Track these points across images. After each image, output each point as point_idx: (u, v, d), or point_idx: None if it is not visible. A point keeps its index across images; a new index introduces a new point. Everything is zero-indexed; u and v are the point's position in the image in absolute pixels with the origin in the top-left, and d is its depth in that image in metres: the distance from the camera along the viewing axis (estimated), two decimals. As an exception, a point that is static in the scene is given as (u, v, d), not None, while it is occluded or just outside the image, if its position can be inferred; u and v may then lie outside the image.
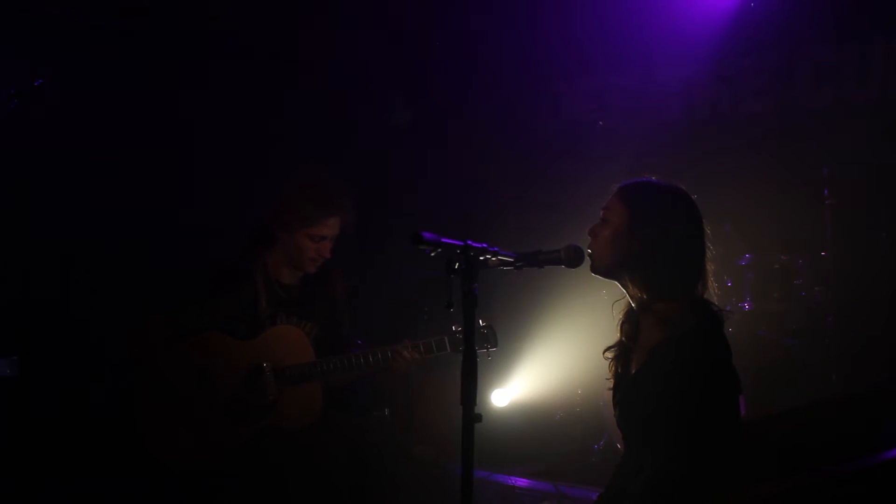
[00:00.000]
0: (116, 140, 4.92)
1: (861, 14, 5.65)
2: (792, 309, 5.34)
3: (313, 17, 5.77)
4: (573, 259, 2.51)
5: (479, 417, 2.27)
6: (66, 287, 4.67)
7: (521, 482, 4.85)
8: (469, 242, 2.38)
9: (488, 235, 2.63)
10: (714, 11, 5.99)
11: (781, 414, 3.14)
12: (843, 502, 2.45)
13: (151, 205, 5.04)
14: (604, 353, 2.62)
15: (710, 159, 5.72)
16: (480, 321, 3.58)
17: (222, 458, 3.50)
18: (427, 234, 2.35)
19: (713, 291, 2.52)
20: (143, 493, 3.78)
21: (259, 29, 5.58)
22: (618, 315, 2.61)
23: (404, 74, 6.39)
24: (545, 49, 6.52)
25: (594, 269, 2.54)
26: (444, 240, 2.37)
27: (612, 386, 2.60)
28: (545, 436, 5.60)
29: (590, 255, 2.53)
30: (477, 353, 2.32)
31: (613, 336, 2.62)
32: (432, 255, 2.40)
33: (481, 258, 2.39)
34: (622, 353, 2.58)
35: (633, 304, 2.53)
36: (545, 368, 5.46)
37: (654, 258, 2.43)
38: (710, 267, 2.52)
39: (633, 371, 2.50)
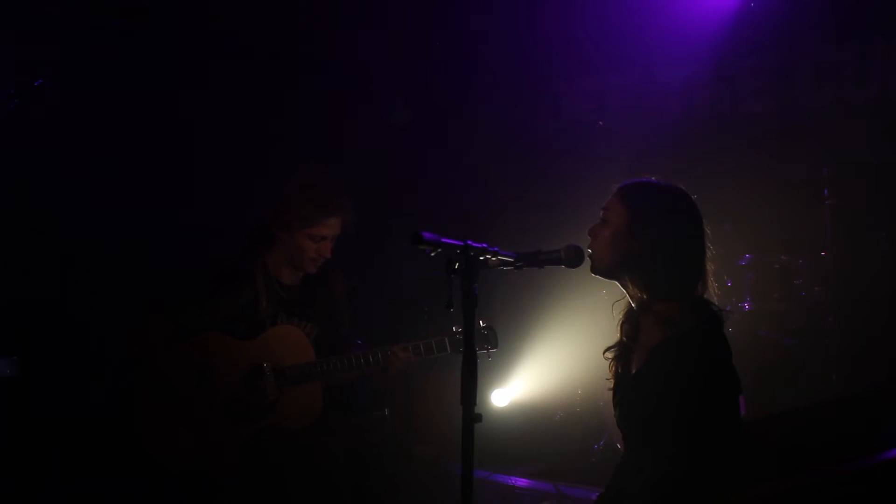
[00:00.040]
0: (116, 140, 4.92)
1: (861, 14, 5.65)
2: (792, 309, 5.34)
3: (313, 17, 5.77)
4: (573, 259, 2.51)
5: (479, 417, 2.27)
6: (66, 287, 4.67)
7: (521, 482, 4.85)
8: (469, 242, 2.38)
9: (488, 235, 2.63)
10: (714, 11, 5.99)
11: (781, 414, 3.14)
12: (843, 502, 2.45)
13: (151, 205, 5.04)
14: (604, 353, 2.63)
15: (710, 159, 5.72)
16: (481, 322, 3.58)
17: (222, 458, 3.50)
18: (427, 234, 2.35)
19: (713, 291, 2.52)
20: (143, 493, 3.78)
21: (259, 29, 5.58)
22: (618, 315, 2.61)
23: (404, 74, 6.39)
24: (545, 49, 6.51)
25: (594, 270, 2.54)
26: (444, 240, 2.37)
27: (612, 386, 2.60)
28: (545, 436, 5.60)
29: (590, 255, 2.53)
30: (477, 354, 2.32)
31: (613, 336, 2.62)
32: (432, 255, 2.40)
33: (481, 258, 2.39)
34: (622, 354, 2.58)
35: (633, 305, 2.53)
36: (545, 368, 5.46)
37: (654, 258, 2.43)
38: (710, 267, 2.52)
39: (634, 371, 2.50)
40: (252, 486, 3.51)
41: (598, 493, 2.60)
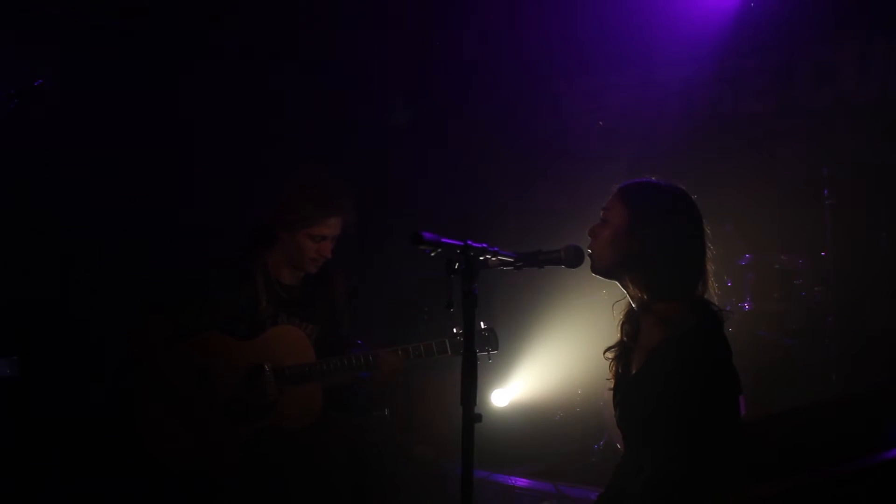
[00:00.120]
0: (116, 140, 4.92)
1: (861, 14, 5.65)
2: (792, 309, 5.34)
3: (313, 16, 5.77)
4: (573, 259, 2.51)
5: (479, 417, 2.27)
6: (66, 287, 4.67)
7: (521, 482, 4.85)
8: (469, 242, 2.38)
9: (488, 235, 2.63)
10: (714, 11, 5.99)
11: (781, 414, 3.14)
12: (843, 502, 2.45)
13: (151, 205, 5.04)
14: (604, 354, 2.62)
15: (710, 159, 5.73)
16: (482, 323, 3.58)
17: (222, 458, 3.50)
18: (427, 234, 2.35)
19: (713, 291, 2.52)
20: (143, 493, 3.78)
21: (259, 29, 5.58)
22: (618, 315, 2.61)
23: (404, 74, 6.39)
24: (545, 49, 6.52)
25: (594, 270, 2.54)
26: (444, 240, 2.37)
27: (612, 386, 2.60)
28: (545, 436, 5.60)
29: (590, 255, 2.53)
30: (478, 356, 2.32)
31: (613, 336, 2.62)
32: (432, 255, 2.40)
33: (481, 258, 2.39)
34: (622, 354, 2.58)
35: (633, 305, 2.53)
36: (545, 368, 5.46)
37: (654, 258, 2.43)
38: (710, 267, 2.52)
39: (634, 371, 2.50)
40: (252, 486, 3.51)
41: (598, 493, 2.60)
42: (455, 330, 3.57)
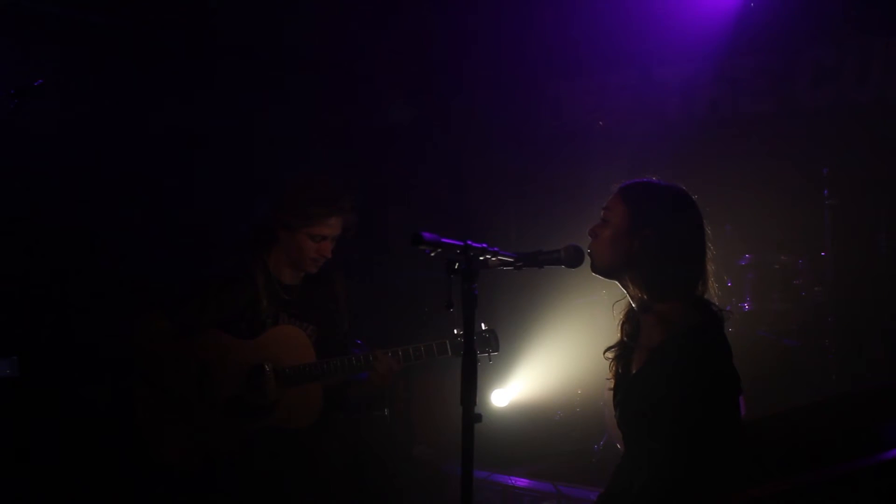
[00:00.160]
0: (116, 139, 4.92)
1: (861, 14, 5.65)
2: (792, 309, 5.34)
3: (313, 17, 5.77)
4: (573, 259, 2.51)
5: (479, 417, 2.27)
6: (66, 287, 4.67)
7: (521, 482, 4.85)
8: (469, 242, 2.38)
9: (488, 235, 2.63)
10: (714, 12, 6.00)
11: (781, 414, 3.13)
12: (842, 502, 2.45)
13: (152, 204, 5.05)
14: (604, 354, 2.62)
15: (710, 159, 5.74)
16: (483, 325, 3.58)
17: (222, 458, 3.50)
18: (427, 235, 2.35)
19: (713, 291, 2.52)
20: (143, 493, 3.78)
21: (259, 29, 5.58)
22: (618, 315, 2.61)
23: (404, 74, 6.39)
24: (546, 49, 6.52)
25: (595, 269, 2.54)
26: (444, 240, 2.37)
27: (612, 386, 2.60)
28: (545, 436, 5.60)
29: (590, 255, 2.53)
30: (478, 357, 2.32)
31: (613, 336, 2.62)
32: (432, 255, 2.40)
33: (481, 258, 2.39)
34: (623, 354, 2.58)
35: (633, 305, 2.53)
36: (545, 368, 5.46)
37: (654, 258, 2.43)
38: (710, 267, 2.51)
39: (634, 371, 2.50)
40: (252, 486, 3.50)
41: (598, 493, 2.60)
42: (455, 331, 3.57)
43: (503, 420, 5.35)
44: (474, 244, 2.38)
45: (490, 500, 4.80)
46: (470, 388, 2.28)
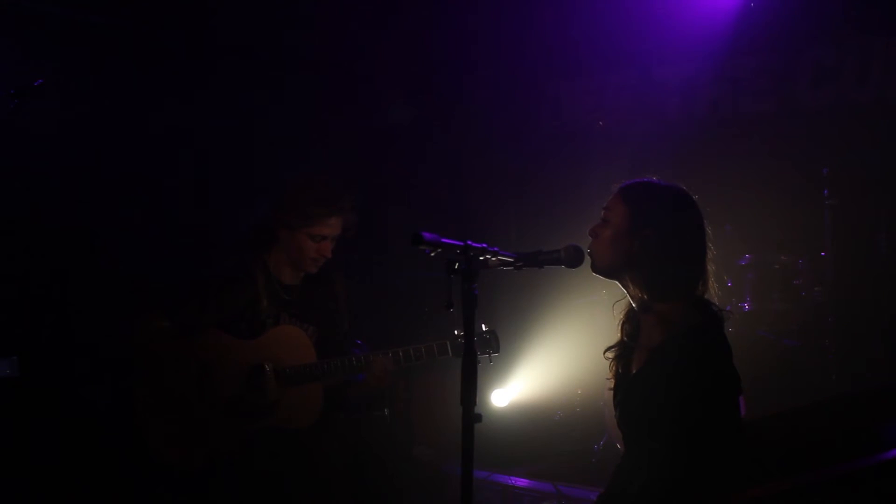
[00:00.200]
0: (116, 139, 4.92)
1: (861, 14, 5.65)
2: (792, 309, 5.34)
3: (313, 17, 5.77)
4: (573, 259, 2.51)
5: (479, 417, 2.27)
6: (66, 287, 4.67)
7: (521, 482, 4.85)
8: (469, 242, 2.38)
9: (488, 235, 2.63)
10: (715, 11, 6.00)
11: (781, 414, 3.13)
12: (842, 502, 2.45)
13: (152, 204, 5.05)
14: (604, 354, 2.62)
15: (710, 159, 5.74)
16: (483, 326, 3.58)
17: (222, 458, 3.50)
18: (427, 235, 2.34)
19: (713, 291, 2.52)
20: (143, 493, 3.78)
21: (259, 29, 5.58)
22: (618, 315, 2.61)
23: (403, 74, 6.39)
24: (546, 49, 6.52)
25: (595, 269, 2.54)
26: (444, 240, 2.36)
27: (612, 386, 2.60)
28: (545, 436, 5.60)
29: (590, 255, 2.53)
30: (479, 358, 2.32)
31: (613, 336, 2.62)
32: (432, 255, 2.39)
33: (481, 258, 2.39)
34: (623, 354, 2.58)
35: (633, 305, 2.53)
36: (545, 368, 5.46)
37: (654, 258, 2.43)
38: (710, 267, 2.51)
39: (634, 371, 2.50)
40: (252, 486, 3.50)
41: (598, 493, 2.60)
42: (456, 332, 3.57)
43: (503, 420, 5.35)
44: (474, 244, 2.38)
45: (490, 500, 4.81)
46: (470, 388, 2.28)
